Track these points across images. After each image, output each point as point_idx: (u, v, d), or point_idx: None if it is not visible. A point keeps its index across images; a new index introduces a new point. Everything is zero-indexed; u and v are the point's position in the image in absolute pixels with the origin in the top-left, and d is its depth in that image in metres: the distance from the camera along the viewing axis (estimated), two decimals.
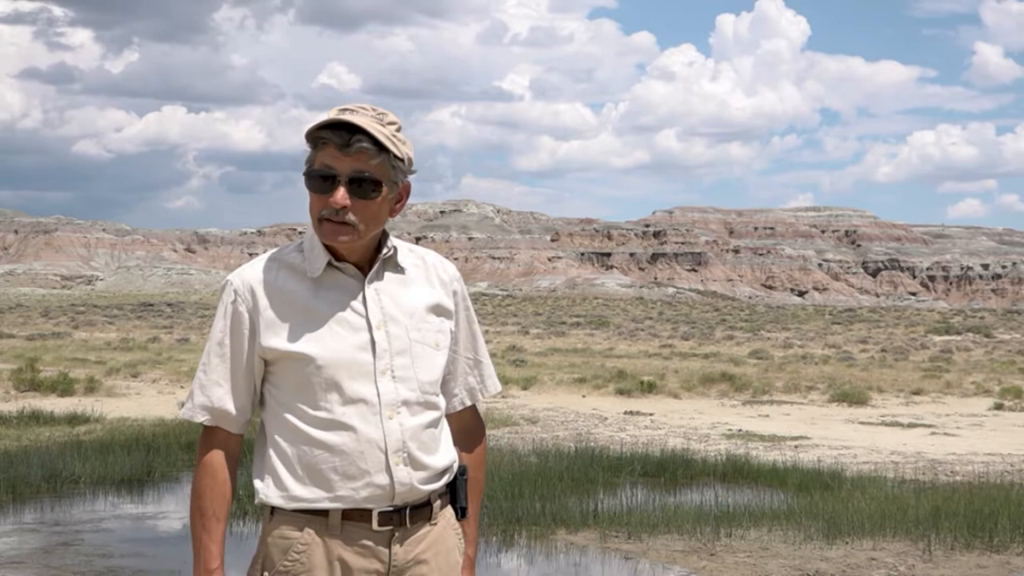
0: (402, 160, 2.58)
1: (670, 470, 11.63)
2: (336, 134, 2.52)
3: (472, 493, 2.78)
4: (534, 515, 8.93)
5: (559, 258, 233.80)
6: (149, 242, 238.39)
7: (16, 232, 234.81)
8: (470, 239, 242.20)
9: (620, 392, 21.41)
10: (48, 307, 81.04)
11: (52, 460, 10.86)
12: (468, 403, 2.81)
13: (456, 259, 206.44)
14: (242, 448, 2.69)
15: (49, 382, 19.50)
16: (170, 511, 9.82)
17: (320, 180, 2.54)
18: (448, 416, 2.76)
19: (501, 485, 9.39)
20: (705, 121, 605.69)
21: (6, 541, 8.39)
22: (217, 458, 2.61)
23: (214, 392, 2.60)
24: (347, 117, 2.52)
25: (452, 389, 2.78)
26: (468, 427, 2.82)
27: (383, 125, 2.54)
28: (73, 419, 14.97)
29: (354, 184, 2.53)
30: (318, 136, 2.54)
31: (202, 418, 2.61)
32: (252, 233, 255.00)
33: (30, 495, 9.99)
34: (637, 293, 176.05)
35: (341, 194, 2.52)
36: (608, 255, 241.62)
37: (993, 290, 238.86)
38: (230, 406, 2.60)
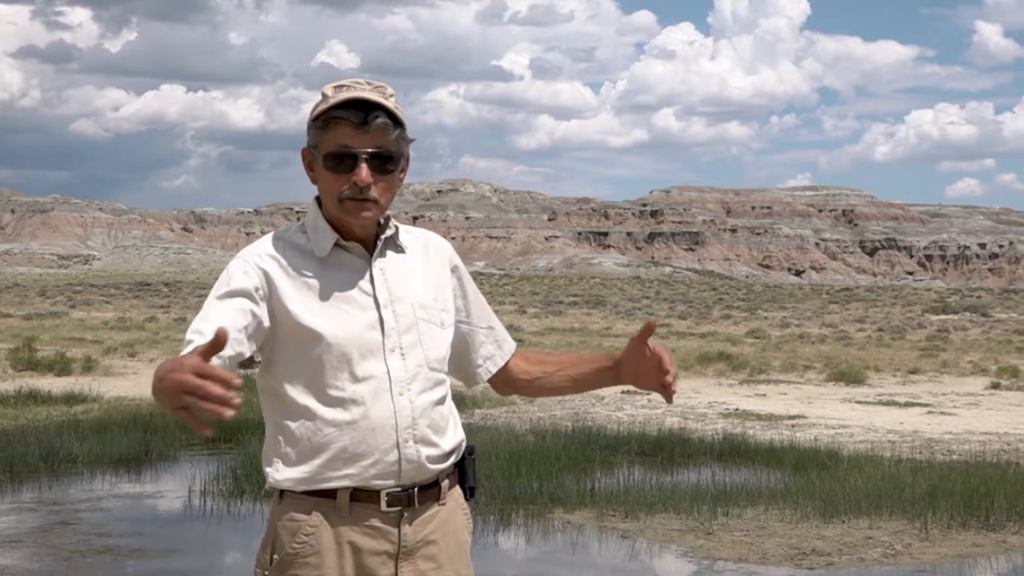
0: (406, 131, 2.59)
1: (667, 449, 11.64)
2: (353, 112, 2.50)
3: (567, 360, 2.81)
4: (531, 494, 8.94)
5: (556, 237, 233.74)
6: (146, 221, 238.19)
7: (13, 211, 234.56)
8: (467, 218, 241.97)
9: None
10: (45, 286, 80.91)
11: (50, 439, 10.85)
12: (493, 371, 2.81)
13: (453, 238, 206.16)
14: None
15: (46, 362, 19.50)
16: (167, 490, 9.82)
17: (339, 160, 2.51)
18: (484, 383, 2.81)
19: (498, 464, 9.40)
20: (704, 100, 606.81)
21: (4, 520, 8.40)
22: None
23: (209, 329, 2.34)
24: (356, 94, 2.50)
25: (475, 360, 2.78)
26: (507, 372, 2.82)
27: (386, 99, 2.53)
28: (70, 398, 14.97)
29: (375, 160, 2.52)
30: (331, 116, 2.50)
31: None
32: (249, 213, 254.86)
33: (28, 474, 9.99)
34: (634, 272, 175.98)
35: (365, 172, 2.50)
36: (605, 234, 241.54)
37: (990, 269, 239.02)
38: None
